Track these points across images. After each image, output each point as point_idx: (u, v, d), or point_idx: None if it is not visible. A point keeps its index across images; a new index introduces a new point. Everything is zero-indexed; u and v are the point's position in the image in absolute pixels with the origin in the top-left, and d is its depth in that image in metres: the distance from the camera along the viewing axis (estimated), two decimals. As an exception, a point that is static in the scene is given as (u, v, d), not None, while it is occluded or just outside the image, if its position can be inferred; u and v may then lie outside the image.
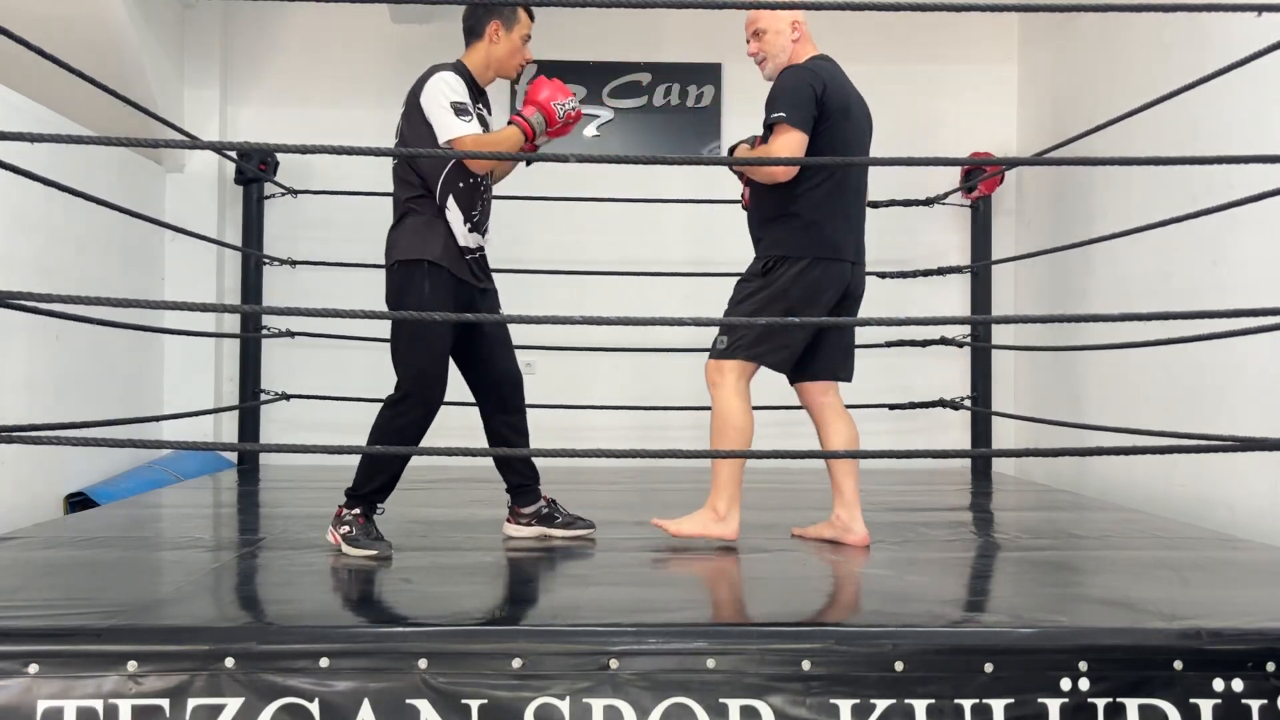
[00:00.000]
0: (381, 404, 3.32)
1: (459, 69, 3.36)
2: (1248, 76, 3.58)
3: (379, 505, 3.34)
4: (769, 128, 3.38)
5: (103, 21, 5.07)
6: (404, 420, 3.29)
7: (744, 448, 3.37)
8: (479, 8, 3.37)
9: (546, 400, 5.37)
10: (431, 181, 3.31)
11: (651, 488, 4.83)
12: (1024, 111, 6.30)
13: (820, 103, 3.35)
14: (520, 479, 3.56)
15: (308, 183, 6.06)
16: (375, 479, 3.28)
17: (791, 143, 3.29)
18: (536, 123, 3.33)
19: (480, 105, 3.40)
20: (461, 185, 3.33)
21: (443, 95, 3.24)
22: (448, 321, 3.21)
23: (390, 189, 3.42)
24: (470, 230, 3.36)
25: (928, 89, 6.32)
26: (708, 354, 3.50)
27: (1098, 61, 5.37)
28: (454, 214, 3.32)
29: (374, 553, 3.19)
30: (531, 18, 3.43)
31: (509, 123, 3.38)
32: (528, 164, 3.66)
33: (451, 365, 3.42)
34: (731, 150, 3.69)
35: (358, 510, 3.28)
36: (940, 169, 6.03)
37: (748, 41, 3.57)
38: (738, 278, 3.56)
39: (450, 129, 3.22)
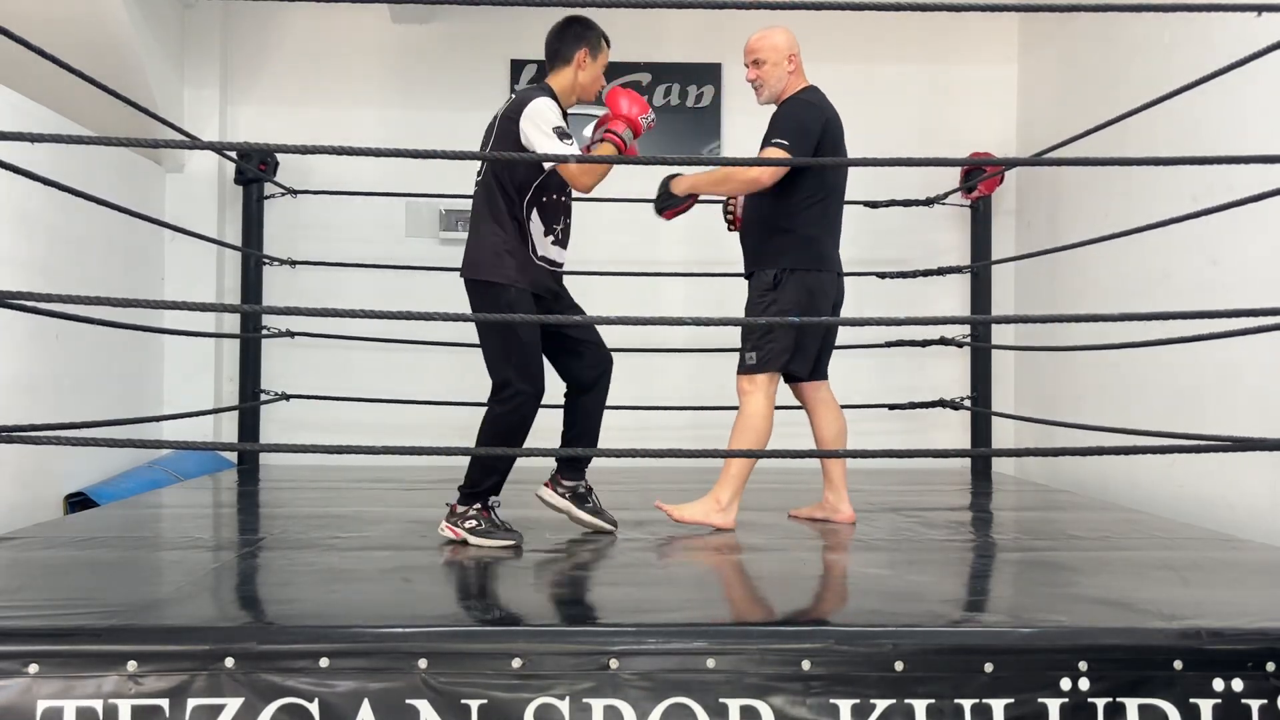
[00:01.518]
0: (486, 405, 3.40)
1: (550, 93, 3.42)
2: (1248, 76, 3.58)
3: (494, 498, 3.43)
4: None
5: (103, 21, 5.07)
6: (516, 417, 3.38)
7: (759, 448, 3.68)
8: (568, 33, 3.50)
9: (546, 400, 5.35)
10: (519, 197, 3.38)
11: (651, 488, 4.83)
12: (1024, 111, 6.30)
13: (819, 136, 3.67)
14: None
15: (308, 183, 6.06)
16: (490, 477, 3.38)
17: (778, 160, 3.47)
18: (627, 138, 3.40)
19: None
20: (545, 200, 3.42)
21: (545, 121, 3.31)
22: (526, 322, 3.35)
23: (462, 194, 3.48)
24: (553, 242, 3.47)
25: (928, 89, 6.32)
26: (737, 369, 3.81)
27: (1098, 61, 5.37)
28: (535, 225, 3.41)
29: (509, 542, 3.35)
30: (609, 45, 3.58)
31: (600, 139, 3.44)
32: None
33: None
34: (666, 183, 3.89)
35: (478, 505, 3.40)
36: (940, 169, 6.03)
37: (747, 66, 3.85)
38: (746, 298, 3.85)
39: (556, 153, 3.27)
